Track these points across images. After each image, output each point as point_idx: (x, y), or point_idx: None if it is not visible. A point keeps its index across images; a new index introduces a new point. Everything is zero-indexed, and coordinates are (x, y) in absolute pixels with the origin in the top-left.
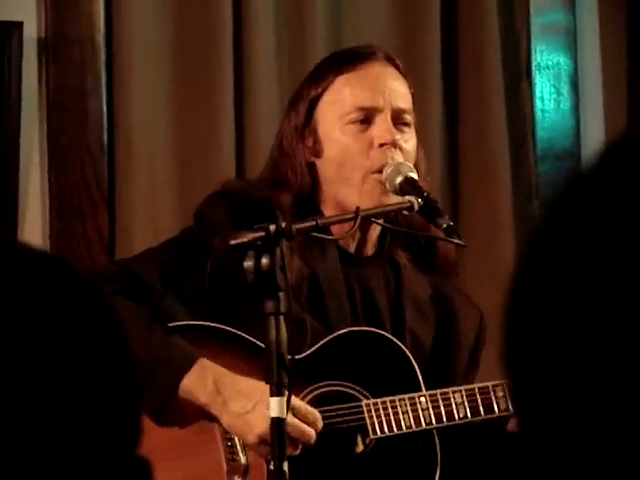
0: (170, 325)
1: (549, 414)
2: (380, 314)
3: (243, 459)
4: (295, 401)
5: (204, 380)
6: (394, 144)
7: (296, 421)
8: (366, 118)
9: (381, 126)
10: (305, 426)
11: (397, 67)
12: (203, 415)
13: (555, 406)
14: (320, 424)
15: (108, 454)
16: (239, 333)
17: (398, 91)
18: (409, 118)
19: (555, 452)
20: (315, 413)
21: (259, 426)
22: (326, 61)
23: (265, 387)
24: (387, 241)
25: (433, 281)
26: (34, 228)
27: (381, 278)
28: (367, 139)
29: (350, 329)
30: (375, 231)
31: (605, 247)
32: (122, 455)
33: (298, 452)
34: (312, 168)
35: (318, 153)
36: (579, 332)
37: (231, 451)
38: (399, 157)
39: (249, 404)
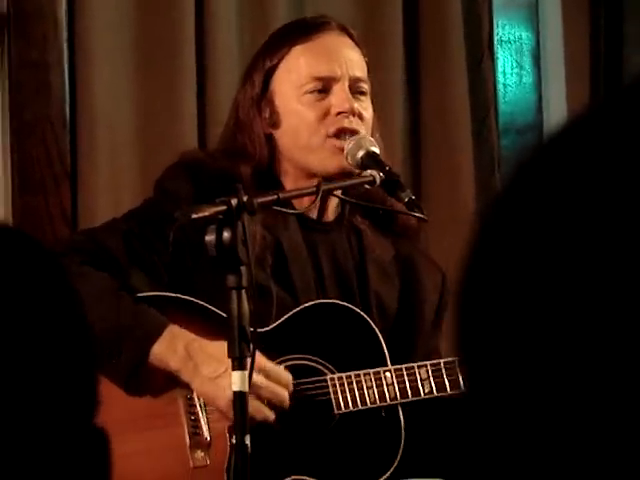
0: (137, 295)
1: (499, 392)
2: (348, 277)
3: (206, 433)
4: (267, 364)
5: (174, 346)
6: (352, 112)
7: (268, 382)
8: (323, 88)
9: (339, 95)
10: (278, 387)
11: (351, 36)
12: (172, 384)
13: (506, 385)
14: (291, 387)
15: (63, 424)
16: (204, 304)
17: (354, 60)
18: (365, 87)
19: (502, 431)
20: (287, 375)
21: (231, 390)
22: (280, 32)
23: None
24: (346, 207)
25: (395, 243)
26: None
27: (344, 241)
28: (324, 107)
29: (317, 302)
30: (335, 198)
31: (563, 225)
32: (77, 425)
33: (273, 417)
34: (270, 140)
35: (275, 124)
36: (533, 312)
37: (194, 425)
38: (357, 124)
39: (221, 368)
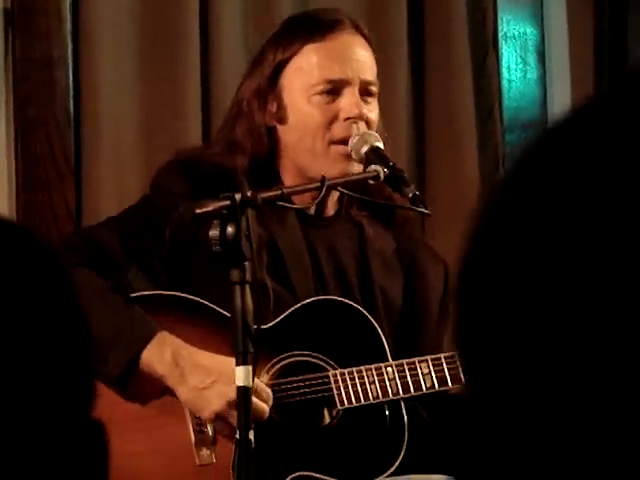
0: (133, 295)
1: (499, 384)
2: (347, 272)
3: (211, 430)
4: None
5: (162, 352)
6: (360, 118)
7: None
8: (334, 89)
9: (349, 99)
10: (260, 402)
11: (363, 35)
12: (166, 388)
13: (505, 378)
14: (271, 402)
15: (59, 415)
16: (202, 301)
17: (366, 62)
18: (374, 89)
19: (503, 424)
20: (268, 391)
21: (216, 403)
22: (293, 25)
23: (225, 363)
24: (344, 201)
25: (395, 235)
26: (1, 200)
27: (345, 236)
28: (333, 111)
29: (316, 298)
30: (336, 193)
31: (563, 218)
32: (74, 417)
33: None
34: (272, 132)
35: (281, 119)
36: (531, 305)
37: (199, 422)
38: (363, 129)
39: (208, 379)
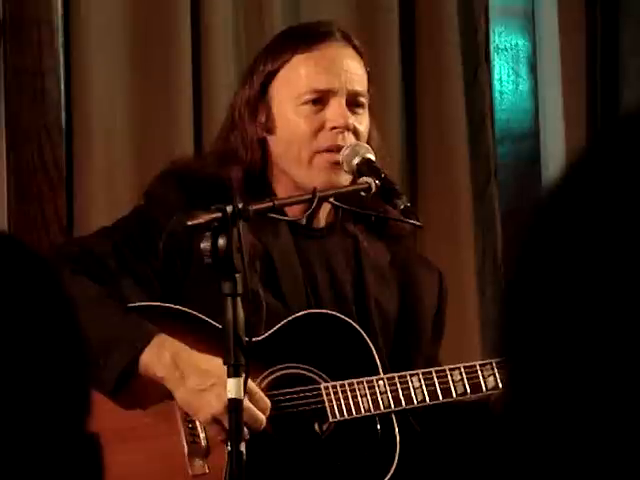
0: (128, 306)
1: (547, 406)
2: (341, 284)
3: (204, 441)
4: (250, 385)
5: (161, 354)
6: (346, 128)
7: (250, 405)
8: (321, 99)
9: (335, 109)
10: (257, 411)
11: (355, 47)
12: (163, 393)
13: (553, 399)
14: (268, 412)
15: (54, 430)
16: (195, 313)
17: (355, 73)
18: (363, 100)
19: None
20: (266, 401)
21: (214, 406)
22: (284, 36)
23: (224, 366)
24: (339, 213)
25: (390, 247)
26: None
27: (339, 248)
28: (319, 121)
29: (308, 311)
30: (328, 205)
31: (604, 241)
32: (69, 431)
33: (247, 437)
34: (264, 144)
35: (270, 130)
36: (577, 326)
37: (192, 433)
38: (351, 139)
39: (207, 382)
